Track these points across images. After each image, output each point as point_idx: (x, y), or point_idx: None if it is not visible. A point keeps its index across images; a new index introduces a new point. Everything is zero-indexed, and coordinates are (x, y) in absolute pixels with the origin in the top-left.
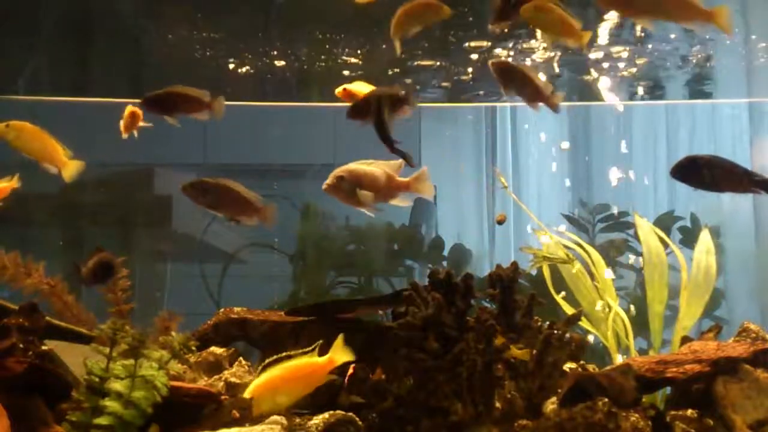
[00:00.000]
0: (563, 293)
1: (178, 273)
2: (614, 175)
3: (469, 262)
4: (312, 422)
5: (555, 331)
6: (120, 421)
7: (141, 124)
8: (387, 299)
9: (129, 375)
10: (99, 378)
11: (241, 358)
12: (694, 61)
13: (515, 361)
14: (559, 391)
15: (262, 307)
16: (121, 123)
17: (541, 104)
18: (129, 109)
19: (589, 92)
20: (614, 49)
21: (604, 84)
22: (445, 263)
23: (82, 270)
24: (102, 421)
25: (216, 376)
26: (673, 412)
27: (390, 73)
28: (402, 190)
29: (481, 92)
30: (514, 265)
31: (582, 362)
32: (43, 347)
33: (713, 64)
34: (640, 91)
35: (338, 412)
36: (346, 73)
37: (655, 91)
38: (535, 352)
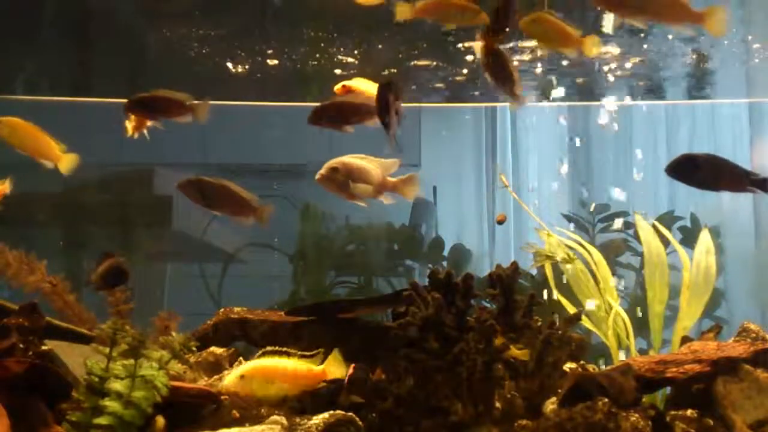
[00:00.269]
0: (555, 295)
1: (178, 273)
2: (614, 175)
3: (469, 262)
4: (312, 422)
5: (555, 331)
6: (120, 421)
7: (149, 123)
8: (387, 299)
9: (129, 375)
10: (99, 378)
11: (241, 358)
12: (694, 60)
13: (515, 361)
14: (559, 391)
15: (262, 307)
16: (128, 123)
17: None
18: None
19: (589, 92)
20: (614, 48)
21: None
22: (445, 263)
23: (91, 274)
24: (102, 421)
25: (216, 376)
26: (673, 412)
27: (385, 72)
28: (389, 188)
29: (477, 93)
30: (514, 265)
31: (582, 362)
32: (43, 347)
33: (713, 64)
34: (640, 90)
35: (338, 412)
36: (342, 72)
37: (655, 91)
38: (535, 352)
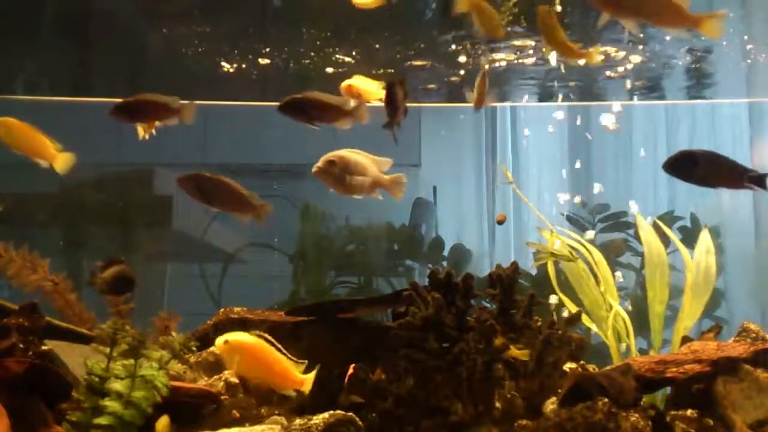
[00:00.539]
0: (554, 297)
1: (178, 273)
2: (614, 175)
3: (469, 262)
4: (312, 422)
5: (555, 331)
6: (120, 421)
7: (158, 123)
8: (387, 299)
9: (129, 375)
10: (99, 378)
11: None
12: (695, 60)
13: (515, 361)
14: (559, 391)
15: (262, 307)
16: (140, 126)
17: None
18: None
19: (589, 92)
20: (613, 48)
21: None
22: (445, 263)
23: (96, 278)
24: (102, 421)
25: (216, 376)
26: (673, 412)
27: (380, 72)
28: (382, 186)
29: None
30: (514, 265)
31: (582, 362)
32: (43, 347)
33: (713, 64)
34: (640, 90)
35: (338, 412)
36: (342, 71)
37: (655, 90)
38: (535, 352)
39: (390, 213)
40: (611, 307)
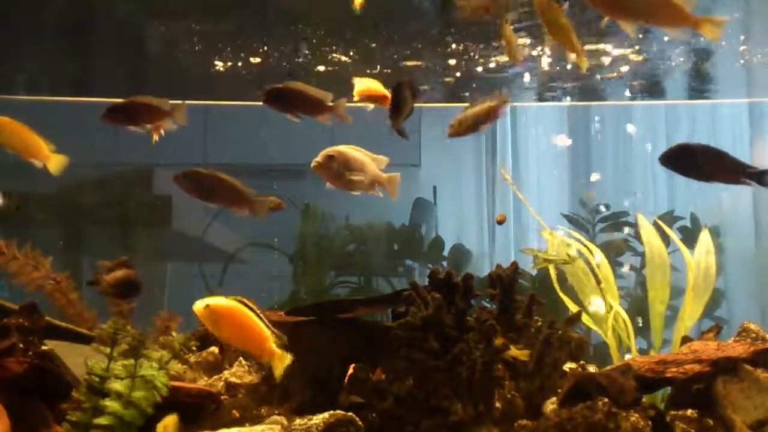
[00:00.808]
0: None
1: (178, 273)
2: (614, 175)
3: (469, 262)
4: (312, 422)
5: (555, 331)
6: (120, 421)
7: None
8: (387, 299)
9: (129, 375)
10: (99, 378)
11: (241, 358)
12: (694, 60)
13: (515, 361)
14: (559, 391)
15: (262, 307)
16: (153, 129)
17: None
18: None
19: (589, 92)
20: (613, 47)
21: None
22: (445, 263)
23: (99, 278)
24: (102, 421)
25: (216, 376)
26: (673, 412)
27: (374, 71)
28: (377, 183)
29: (467, 93)
30: (514, 265)
31: (582, 362)
32: (43, 347)
33: (713, 64)
34: (640, 90)
35: (338, 412)
36: (340, 71)
37: (655, 90)
38: (535, 352)
39: (390, 213)
40: (611, 308)
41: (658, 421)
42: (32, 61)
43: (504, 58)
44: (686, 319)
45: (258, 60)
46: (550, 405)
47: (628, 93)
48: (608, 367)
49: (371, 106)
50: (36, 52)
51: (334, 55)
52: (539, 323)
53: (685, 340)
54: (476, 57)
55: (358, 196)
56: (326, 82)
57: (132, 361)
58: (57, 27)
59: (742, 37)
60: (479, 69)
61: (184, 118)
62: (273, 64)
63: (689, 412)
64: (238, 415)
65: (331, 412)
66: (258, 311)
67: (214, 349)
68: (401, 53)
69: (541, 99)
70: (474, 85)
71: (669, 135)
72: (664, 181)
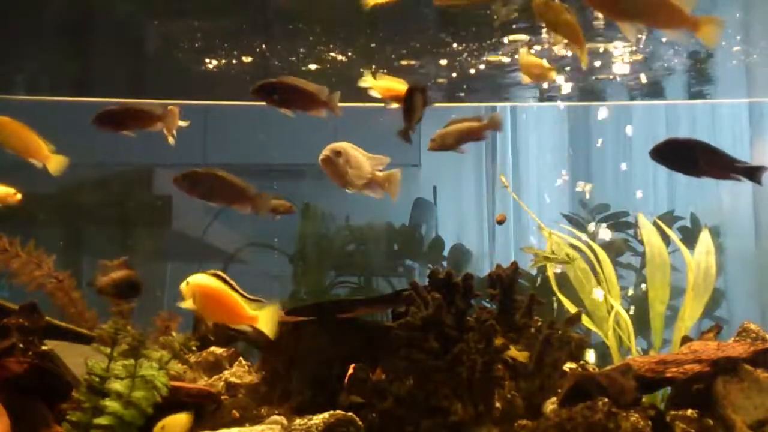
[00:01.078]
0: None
1: (178, 273)
2: (614, 175)
3: (469, 262)
4: (312, 422)
5: (555, 331)
6: (120, 421)
7: (181, 123)
8: (387, 299)
9: (129, 375)
10: (99, 378)
11: (241, 358)
12: (695, 60)
13: (514, 361)
14: (559, 391)
15: None
16: (166, 130)
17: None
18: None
19: (590, 92)
20: (613, 47)
21: None
22: (445, 263)
23: (99, 274)
24: (102, 421)
25: (216, 376)
26: (673, 412)
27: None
28: (376, 182)
29: (461, 94)
30: (514, 265)
31: (582, 362)
32: (43, 347)
33: (713, 64)
34: (640, 90)
35: (338, 412)
36: (339, 71)
37: (655, 90)
38: (535, 352)
39: (390, 213)
40: (612, 308)
41: (658, 421)
42: (32, 61)
43: (505, 59)
44: (686, 319)
45: (258, 60)
46: (550, 405)
47: (628, 93)
48: (608, 367)
49: (394, 105)
50: (36, 52)
51: (332, 54)
52: (539, 323)
53: (685, 340)
54: (476, 56)
55: (358, 197)
56: (326, 82)
57: (132, 361)
58: (57, 27)
59: (738, 37)
60: (481, 68)
61: (177, 122)
62: (273, 63)
63: (689, 412)
64: (238, 415)
65: (331, 412)
66: (233, 284)
67: (215, 349)
68: (398, 52)
69: (541, 99)
70: (472, 85)
71: (669, 135)
72: (664, 181)
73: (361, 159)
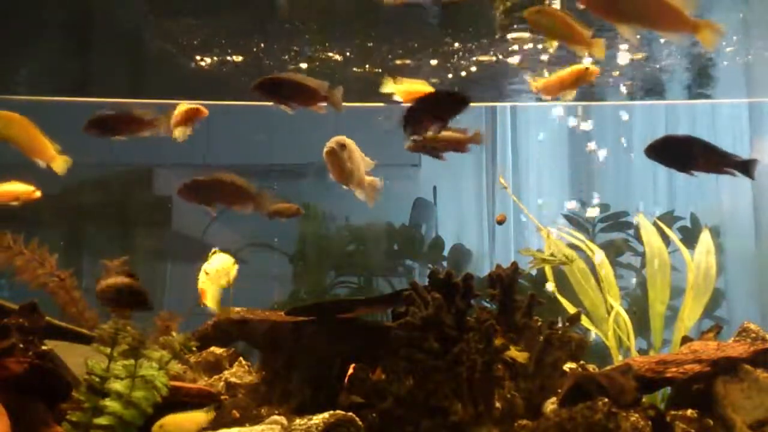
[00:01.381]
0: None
1: (178, 273)
2: (614, 175)
3: (469, 262)
4: (312, 422)
5: (555, 331)
6: (120, 421)
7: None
8: (387, 299)
9: (129, 375)
10: (99, 378)
11: (241, 358)
12: (695, 60)
13: (514, 362)
14: (559, 391)
15: (262, 307)
16: (176, 130)
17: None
18: (187, 107)
19: (589, 92)
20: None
21: None
22: (445, 263)
23: (101, 278)
24: (102, 421)
25: (216, 376)
26: (673, 412)
27: (364, 70)
28: (364, 184)
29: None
30: (514, 265)
31: (582, 362)
32: (43, 347)
33: (713, 64)
34: (640, 90)
35: (338, 412)
36: (339, 70)
37: (655, 90)
38: (535, 352)
39: (390, 213)
40: (612, 308)
41: (658, 421)
42: (32, 61)
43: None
44: (686, 319)
45: (251, 59)
46: (550, 405)
47: (628, 93)
48: (608, 367)
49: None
50: (36, 52)
51: (329, 53)
52: (539, 323)
53: (685, 340)
54: (476, 56)
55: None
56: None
57: (132, 361)
58: (57, 27)
59: (735, 38)
60: (481, 67)
61: (168, 128)
62: (272, 64)
63: (689, 412)
64: (238, 415)
65: (331, 412)
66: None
67: (215, 349)
68: (395, 52)
69: (541, 99)
70: (472, 85)
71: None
72: (664, 181)
73: (360, 157)
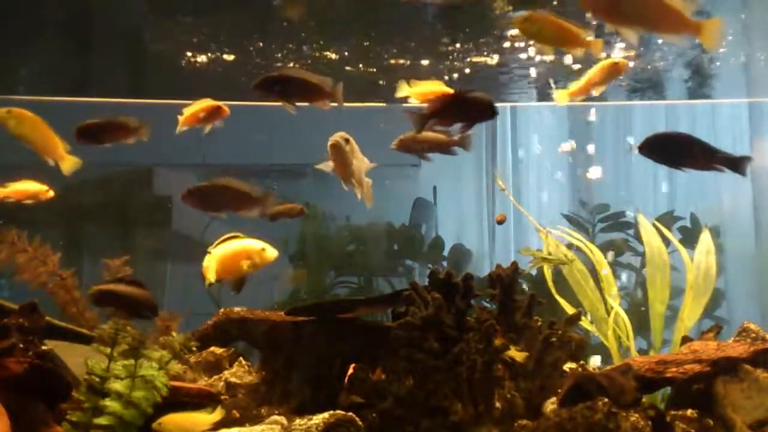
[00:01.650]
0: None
1: (178, 273)
2: (615, 175)
3: (469, 262)
4: (312, 422)
5: (555, 332)
6: (120, 421)
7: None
8: (387, 299)
9: (129, 375)
10: (99, 378)
11: (241, 358)
12: (695, 60)
13: (513, 362)
14: (559, 391)
15: (262, 307)
16: (191, 120)
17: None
18: (208, 104)
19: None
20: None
21: None
22: (445, 263)
23: (106, 288)
24: (102, 421)
25: (216, 376)
26: (673, 412)
27: (360, 70)
28: (361, 183)
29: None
30: (514, 265)
31: (582, 362)
32: (43, 347)
33: (714, 64)
34: (640, 90)
35: (338, 412)
36: (338, 70)
37: (655, 90)
38: (535, 352)
39: (390, 213)
40: (611, 308)
41: (658, 421)
42: (32, 61)
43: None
44: (686, 319)
45: (258, 59)
46: (550, 405)
47: (628, 93)
48: (608, 367)
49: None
50: (36, 52)
51: (327, 53)
52: (539, 323)
53: (685, 340)
54: (475, 56)
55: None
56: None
57: (132, 361)
58: (57, 27)
59: (730, 38)
60: (480, 68)
61: (148, 134)
62: (273, 63)
63: (689, 412)
64: (238, 415)
65: (331, 412)
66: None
67: (215, 349)
68: (391, 52)
69: (541, 99)
70: (471, 85)
71: None
72: (664, 182)
73: (361, 157)
